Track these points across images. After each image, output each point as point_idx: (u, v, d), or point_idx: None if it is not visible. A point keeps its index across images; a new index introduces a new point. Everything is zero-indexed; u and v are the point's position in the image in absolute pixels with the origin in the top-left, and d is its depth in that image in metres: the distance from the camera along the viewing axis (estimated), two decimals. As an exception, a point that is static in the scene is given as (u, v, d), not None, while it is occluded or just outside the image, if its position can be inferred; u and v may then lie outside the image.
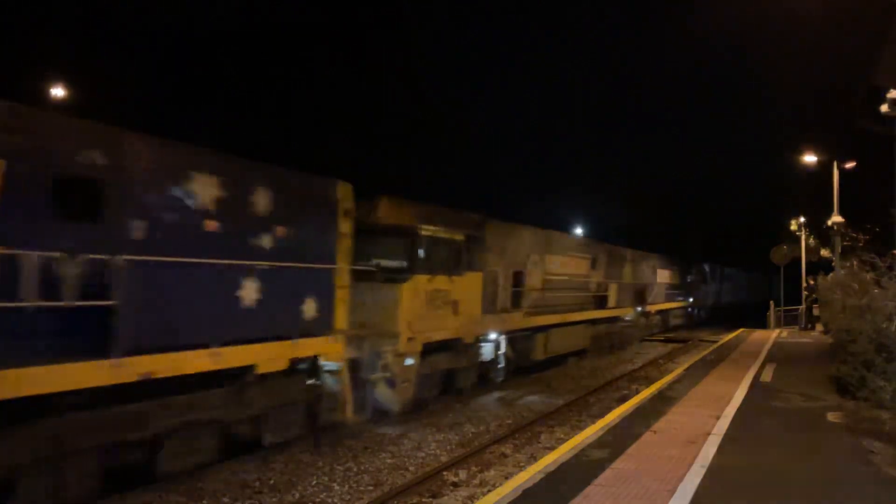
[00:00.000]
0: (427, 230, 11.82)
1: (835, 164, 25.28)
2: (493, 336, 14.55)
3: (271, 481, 8.24)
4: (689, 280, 36.13)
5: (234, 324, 7.86)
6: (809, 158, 27.57)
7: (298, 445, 9.54)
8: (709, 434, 8.87)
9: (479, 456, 9.55)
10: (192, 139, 8.49)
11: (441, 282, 12.14)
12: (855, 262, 17.70)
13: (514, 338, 15.68)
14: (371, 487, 8.19)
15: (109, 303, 6.48)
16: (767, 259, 34.24)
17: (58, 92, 18.67)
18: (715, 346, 22.74)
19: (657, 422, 9.70)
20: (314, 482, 8.29)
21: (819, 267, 31.76)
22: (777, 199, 39.61)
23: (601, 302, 21.75)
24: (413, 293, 11.29)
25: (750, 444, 8.43)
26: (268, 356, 8.36)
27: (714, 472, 7.13)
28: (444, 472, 8.69)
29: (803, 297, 32.01)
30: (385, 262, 11.43)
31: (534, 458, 9.08)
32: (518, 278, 15.67)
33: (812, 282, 29.71)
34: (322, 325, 9.23)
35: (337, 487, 8.15)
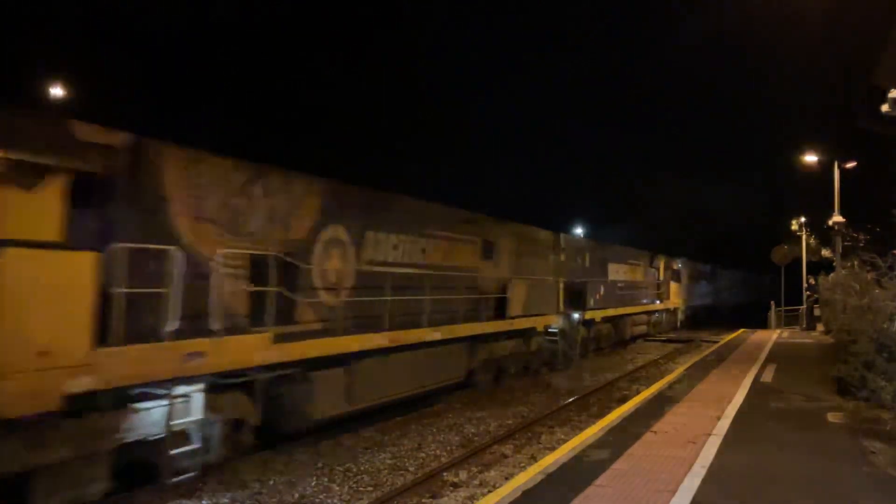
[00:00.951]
0: None
1: (835, 163, 25.27)
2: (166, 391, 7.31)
3: (271, 482, 8.24)
4: (659, 279, 30.86)
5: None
6: (810, 158, 27.56)
7: (298, 446, 9.54)
8: (709, 434, 8.86)
9: (479, 456, 9.53)
10: (193, 139, 8.49)
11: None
12: (856, 262, 17.69)
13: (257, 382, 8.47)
14: (371, 488, 8.18)
15: None
16: (767, 259, 34.24)
17: (57, 92, 18.67)
18: (715, 346, 22.73)
19: (657, 422, 9.68)
20: (314, 482, 8.28)
21: (820, 267, 31.75)
22: (777, 198, 39.51)
23: (497, 308, 15.10)
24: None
25: (750, 445, 8.41)
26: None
27: (714, 473, 7.11)
28: (444, 473, 8.68)
29: (804, 297, 31.99)
30: None
31: (534, 459, 9.08)
32: (258, 270, 8.58)
33: (813, 282, 29.69)
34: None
35: (336, 488, 8.14)
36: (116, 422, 6.89)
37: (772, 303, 33.19)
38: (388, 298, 10.84)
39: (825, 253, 30.84)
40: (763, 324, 32.72)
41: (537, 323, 16.92)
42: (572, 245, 20.71)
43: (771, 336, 26.48)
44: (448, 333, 12.46)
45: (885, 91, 12.41)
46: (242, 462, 8.66)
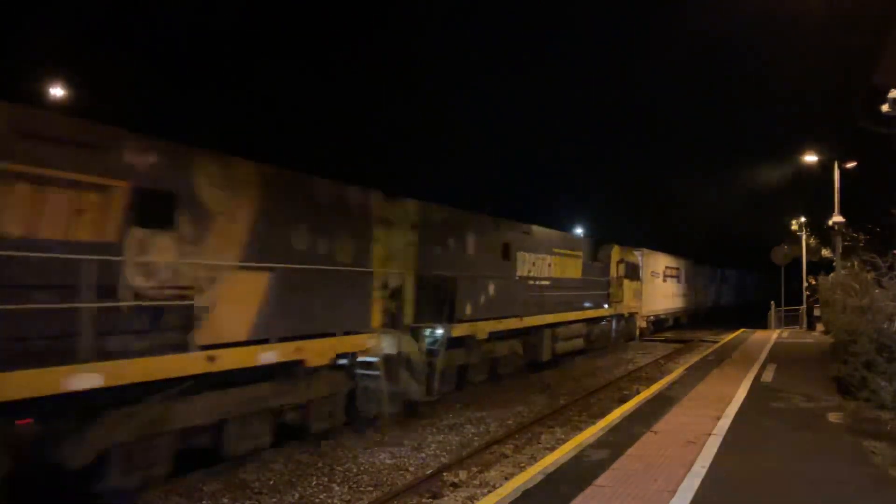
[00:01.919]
0: None
1: (836, 163, 25.27)
2: None
3: (271, 482, 8.24)
4: (609, 276, 23.54)
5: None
6: (810, 158, 27.56)
7: (298, 446, 9.54)
8: (709, 434, 8.85)
9: (479, 456, 9.54)
10: (193, 138, 8.48)
11: None
12: (856, 262, 17.69)
13: None
14: (371, 488, 8.18)
15: None
16: (767, 259, 34.24)
17: (57, 92, 18.66)
18: (716, 346, 22.72)
19: (657, 422, 9.68)
20: (314, 482, 8.28)
21: (820, 267, 31.75)
22: (778, 198, 39.39)
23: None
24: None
25: (751, 445, 8.41)
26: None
27: (714, 473, 7.11)
28: (445, 473, 8.68)
29: (804, 297, 31.99)
30: None
31: (534, 459, 9.08)
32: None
33: (813, 282, 29.69)
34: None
35: (337, 488, 8.14)
36: None
37: (772, 303, 33.19)
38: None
39: (825, 253, 30.85)
40: (763, 324, 32.70)
41: (312, 352, 9.43)
42: (433, 219, 13.07)
43: (771, 336, 26.48)
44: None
45: (885, 91, 12.43)
46: (243, 462, 8.66)
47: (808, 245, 32.98)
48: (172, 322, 7.52)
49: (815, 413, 10.62)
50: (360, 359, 10.62)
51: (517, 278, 16.56)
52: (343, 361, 10.27)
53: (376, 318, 11.03)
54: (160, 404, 7.37)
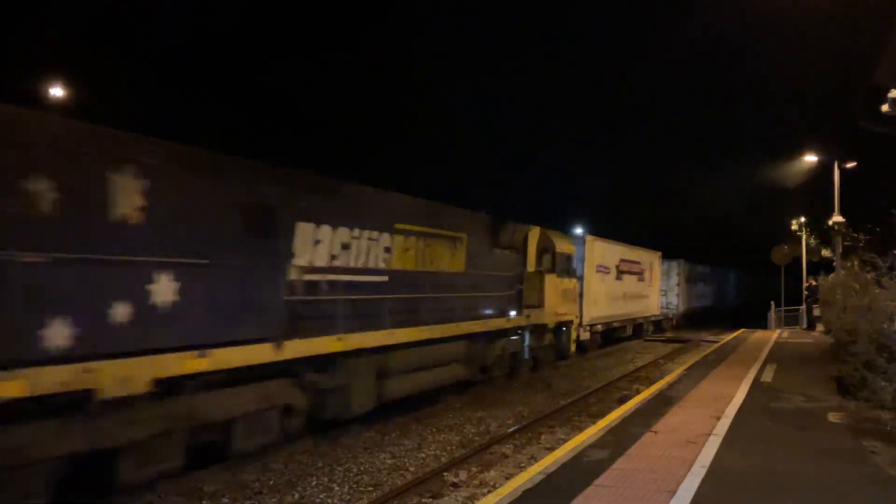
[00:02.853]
0: None
1: (836, 163, 25.28)
2: None
3: (271, 482, 8.23)
4: (524, 270, 16.51)
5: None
6: (810, 158, 27.57)
7: (298, 446, 9.54)
8: (709, 434, 8.85)
9: (479, 456, 9.53)
10: (192, 137, 8.47)
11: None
12: (856, 262, 17.70)
13: None
14: (371, 488, 8.18)
15: None
16: (766, 259, 34.25)
17: (56, 92, 18.67)
18: (716, 346, 22.73)
19: (657, 422, 9.68)
20: (314, 483, 8.28)
21: (820, 267, 31.76)
22: (778, 198, 39.29)
23: None
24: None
25: (750, 445, 8.41)
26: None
27: (714, 473, 7.11)
28: (445, 473, 8.68)
29: (804, 297, 31.99)
30: None
31: (534, 459, 9.07)
32: None
33: (813, 282, 29.70)
34: None
35: (337, 488, 8.14)
36: None
37: (772, 303, 33.18)
38: None
39: (825, 253, 30.86)
40: (763, 324, 32.70)
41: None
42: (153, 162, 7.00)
43: (771, 336, 26.47)
44: None
45: (886, 91, 12.41)
46: (243, 461, 8.66)
47: (808, 245, 32.99)
48: None
49: (816, 413, 10.62)
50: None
51: (285, 269, 8.95)
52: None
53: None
54: None
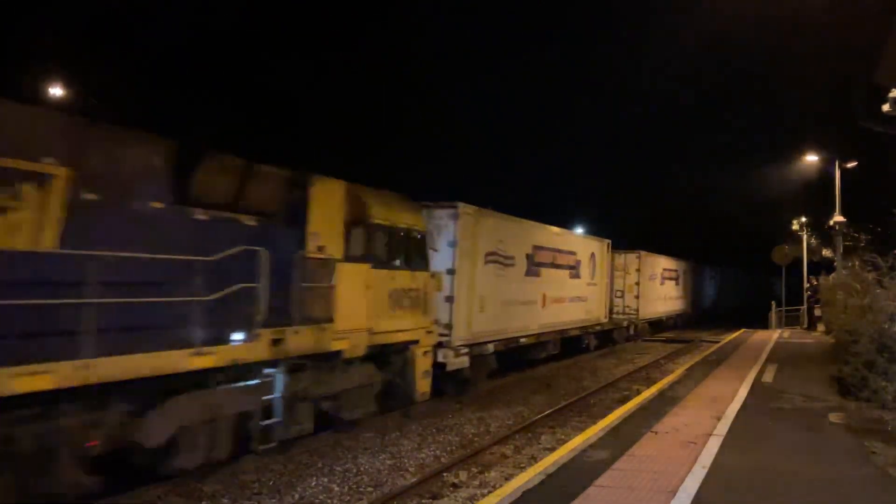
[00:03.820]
0: None
1: (836, 163, 25.26)
2: None
3: (271, 482, 8.22)
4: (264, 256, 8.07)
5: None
6: (811, 158, 27.56)
7: (298, 446, 9.52)
8: (710, 435, 8.84)
9: (479, 457, 9.52)
10: (192, 136, 8.45)
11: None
12: (856, 262, 17.68)
13: None
14: (371, 489, 8.17)
15: None
16: (767, 259, 34.23)
17: (56, 91, 18.68)
18: (716, 346, 22.72)
19: (658, 422, 9.67)
20: (314, 483, 8.26)
21: (821, 267, 31.74)
22: (778, 198, 39.18)
23: None
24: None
25: (751, 445, 8.40)
26: None
27: (715, 473, 7.09)
28: (445, 473, 8.66)
29: (805, 297, 31.99)
30: None
31: (534, 459, 9.06)
32: None
33: (814, 282, 29.68)
34: None
35: (336, 488, 8.13)
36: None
37: (772, 303, 33.17)
38: None
39: (826, 253, 30.85)
40: (764, 324, 32.70)
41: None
42: None
43: (772, 336, 26.46)
44: None
45: (886, 90, 12.40)
46: (242, 462, 8.65)
47: (808, 245, 32.99)
48: None
49: (816, 413, 10.61)
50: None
51: None
52: None
53: None
54: None
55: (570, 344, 20.46)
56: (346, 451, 9.62)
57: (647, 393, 12.55)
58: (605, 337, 24.10)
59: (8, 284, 5.69)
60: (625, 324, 26.16)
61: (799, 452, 8.17)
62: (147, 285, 6.86)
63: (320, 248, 9.27)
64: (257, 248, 7.93)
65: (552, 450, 9.07)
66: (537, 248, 17.60)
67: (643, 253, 27.55)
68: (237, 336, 7.84)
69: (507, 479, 7.98)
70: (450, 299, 13.27)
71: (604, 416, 10.87)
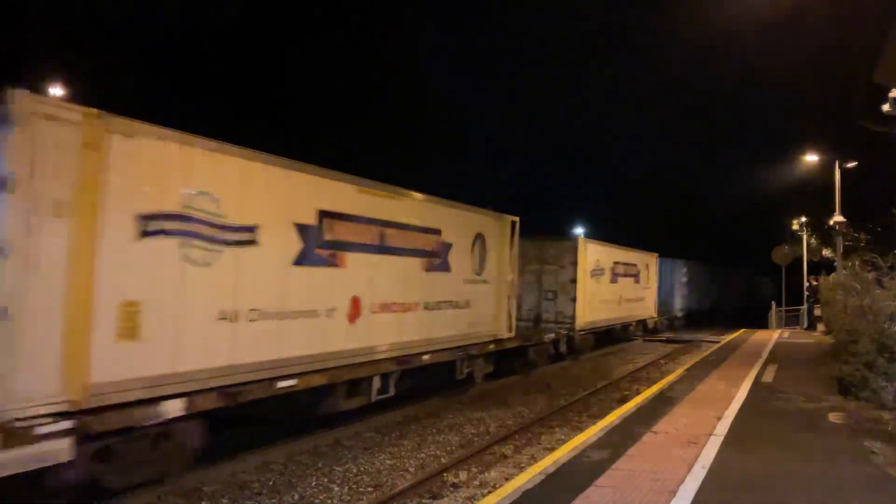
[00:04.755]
0: None
1: (836, 163, 25.26)
2: None
3: (271, 482, 8.21)
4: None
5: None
6: (811, 158, 27.55)
7: (298, 446, 9.53)
8: (710, 435, 8.84)
9: (479, 457, 9.51)
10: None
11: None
12: (857, 262, 17.69)
13: None
14: (371, 489, 8.16)
15: None
16: (766, 258, 34.24)
17: (56, 91, 18.66)
18: (716, 346, 22.71)
19: (658, 422, 9.66)
20: (313, 483, 8.26)
21: (821, 267, 31.76)
22: (778, 198, 39.15)
23: None
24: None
25: (751, 445, 8.39)
26: None
27: (715, 473, 7.09)
28: (445, 473, 8.66)
29: (805, 297, 32.00)
30: None
31: (534, 459, 9.05)
32: None
33: (815, 282, 29.69)
34: None
35: (336, 489, 8.12)
36: None
37: (772, 303, 33.16)
38: None
39: (826, 253, 30.86)
40: (763, 324, 32.69)
41: None
42: None
43: (772, 336, 26.45)
44: None
45: (886, 90, 12.40)
46: (242, 461, 8.65)
47: (808, 245, 33.00)
48: None
49: (816, 413, 10.60)
50: None
51: None
52: None
53: None
54: None
55: (422, 376, 12.30)
56: (346, 450, 9.61)
57: (647, 393, 12.54)
58: (510, 358, 15.87)
59: None
60: (549, 338, 18.06)
61: (799, 453, 8.16)
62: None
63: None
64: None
65: (552, 450, 9.07)
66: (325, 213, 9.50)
67: (583, 240, 21.09)
68: None
69: (507, 479, 7.98)
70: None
71: (604, 416, 10.86)
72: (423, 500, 7.79)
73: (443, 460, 9.35)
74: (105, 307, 6.50)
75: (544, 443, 10.48)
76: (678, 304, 33.81)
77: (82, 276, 6.29)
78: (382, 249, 10.82)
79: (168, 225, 7.14)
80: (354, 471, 8.79)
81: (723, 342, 24.03)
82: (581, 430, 10.18)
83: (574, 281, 19.77)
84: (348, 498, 7.87)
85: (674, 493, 6.43)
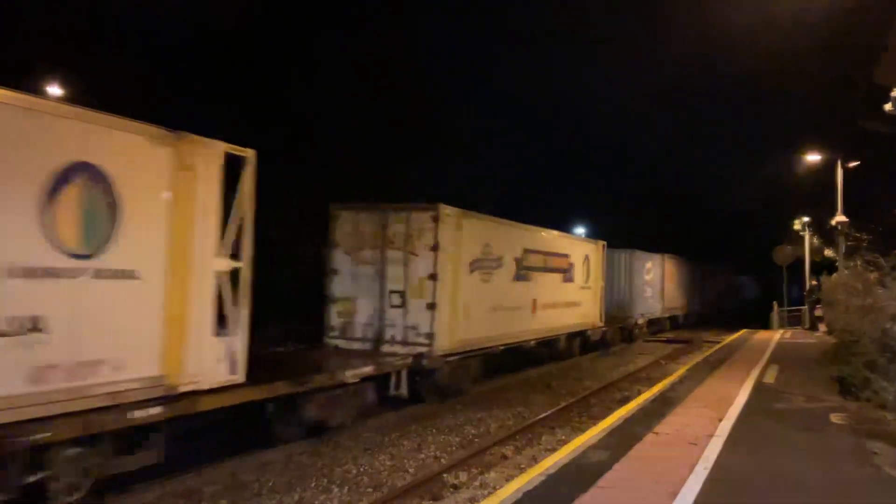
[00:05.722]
0: None
1: (839, 163, 25.22)
2: None
3: (270, 483, 8.20)
4: None
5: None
6: (813, 157, 27.51)
7: (298, 446, 9.51)
8: (711, 436, 8.81)
9: (479, 458, 9.49)
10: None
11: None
12: (859, 263, 17.66)
13: None
14: (371, 489, 8.14)
15: None
16: (766, 258, 34.20)
17: (55, 90, 18.67)
18: (717, 346, 22.68)
19: (659, 423, 9.64)
20: (313, 484, 8.24)
21: (823, 267, 31.70)
22: (780, 198, 39.06)
23: None
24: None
25: (752, 446, 8.37)
26: None
27: (716, 474, 7.07)
28: (445, 474, 8.64)
29: (806, 297, 31.96)
30: None
31: (535, 460, 9.02)
32: None
33: (816, 282, 29.65)
34: None
35: (336, 489, 8.10)
36: None
37: (774, 303, 33.12)
38: None
39: (828, 253, 30.80)
40: (765, 324, 32.66)
41: None
42: None
43: (773, 336, 26.42)
44: None
45: (888, 90, 12.38)
46: (242, 462, 8.64)
47: (810, 245, 32.95)
48: None
49: (818, 414, 10.58)
50: None
51: None
52: None
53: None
54: None
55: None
56: (346, 451, 9.59)
57: (648, 393, 12.52)
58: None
59: None
60: (364, 373, 10.53)
61: (801, 453, 8.14)
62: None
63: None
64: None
65: (553, 451, 9.05)
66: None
67: (453, 211, 12.94)
68: None
69: (508, 479, 7.95)
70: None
71: (604, 416, 10.84)
72: (423, 502, 7.77)
73: (443, 461, 9.33)
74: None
75: (545, 443, 10.45)
76: (639, 309, 27.14)
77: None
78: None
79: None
80: (354, 471, 8.77)
81: (724, 343, 24.02)
82: (582, 430, 10.17)
83: (434, 277, 12.49)
84: (348, 499, 7.85)
85: (675, 494, 6.41)
